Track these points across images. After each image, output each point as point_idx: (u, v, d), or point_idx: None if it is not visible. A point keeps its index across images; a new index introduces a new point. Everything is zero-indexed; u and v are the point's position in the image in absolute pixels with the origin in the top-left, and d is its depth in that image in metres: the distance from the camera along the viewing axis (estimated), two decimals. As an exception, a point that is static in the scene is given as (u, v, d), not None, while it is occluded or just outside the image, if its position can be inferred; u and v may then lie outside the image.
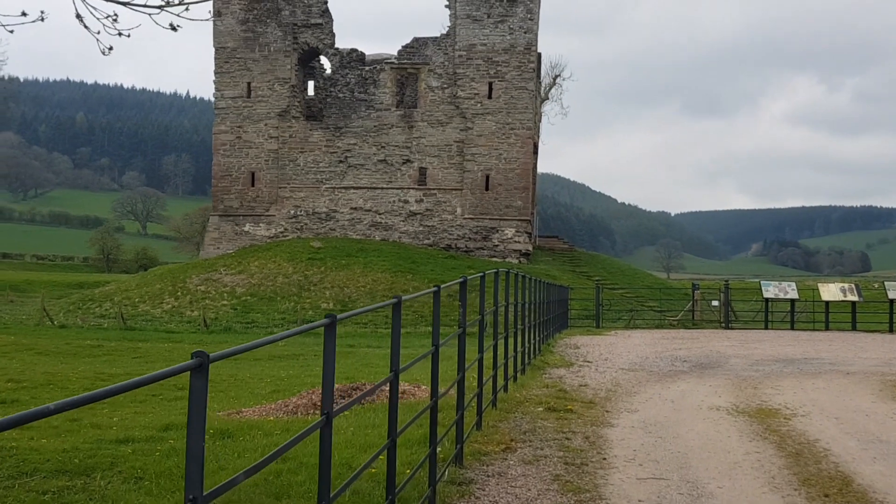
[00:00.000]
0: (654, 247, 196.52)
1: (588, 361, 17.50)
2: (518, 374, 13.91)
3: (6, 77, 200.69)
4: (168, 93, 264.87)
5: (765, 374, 16.07)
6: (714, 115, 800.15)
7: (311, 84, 53.42)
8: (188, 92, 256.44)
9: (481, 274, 9.67)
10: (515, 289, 13.86)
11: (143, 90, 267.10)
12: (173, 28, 8.16)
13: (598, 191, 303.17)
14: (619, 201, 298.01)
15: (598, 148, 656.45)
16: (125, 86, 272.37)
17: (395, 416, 5.61)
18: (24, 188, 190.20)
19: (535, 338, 17.25)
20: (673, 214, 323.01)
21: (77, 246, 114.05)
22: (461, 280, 8.37)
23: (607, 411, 11.26)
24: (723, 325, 33.35)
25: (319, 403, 11.96)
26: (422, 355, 6.57)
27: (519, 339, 14.24)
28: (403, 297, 5.69)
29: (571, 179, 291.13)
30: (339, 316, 4.31)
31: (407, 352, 21.02)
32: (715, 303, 37.53)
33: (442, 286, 7.10)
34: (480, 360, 9.64)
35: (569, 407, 11.17)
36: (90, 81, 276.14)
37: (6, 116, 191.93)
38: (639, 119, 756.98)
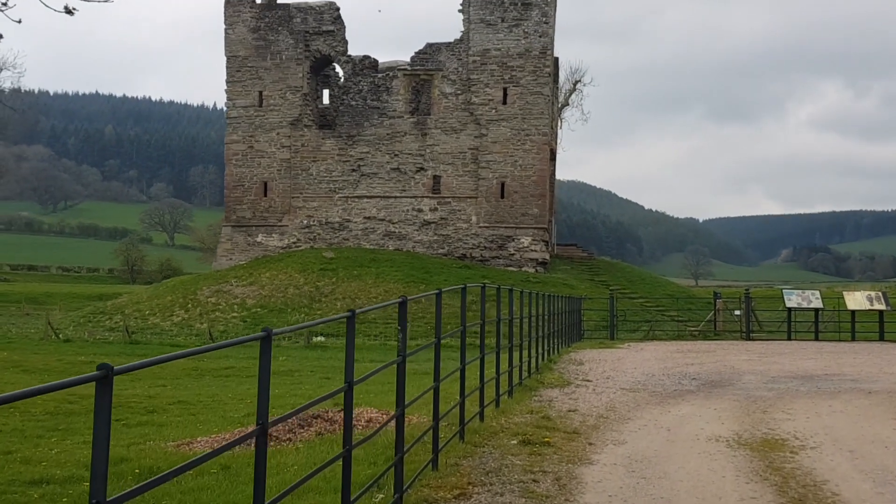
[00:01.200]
0: (683, 254, 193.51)
1: (587, 380, 16.27)
2: (503, 398, 12.74)
3: (36, 91, 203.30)
4: (195, 105, 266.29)
5: (778, 394, 14.75)
6: (741, 121, 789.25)
7: (325, 92, 52.62)
8: (215, 104, 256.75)
9: (437, 291, 8.54)
10: (498, 303, 12.71)
11: (171, 102, 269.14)
12: (69, 11, 7.17)
13: (624, 198, 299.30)
14: (647, 208, 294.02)
15: (624, 155, 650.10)
16: (153, 98, 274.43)
17: (263, 484, 4.51)
18: (54, 200, 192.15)
19: (529, 355, 16.08)
20: (701, 221, 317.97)
21: (104, 257, 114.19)
22: (400, 300, 7.26)
23: (590, 443, 10.04)
24: (744, 335, 31.90)
25: (273, 432, 10.88)
26: (322, 396, 5.46)
27: (504, 358, 13.07)
28: (275, 332, 4.59)
29: (597, 187, 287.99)
30: (116, 369, 3.23)
31: (411, 366, 19.59)
32: (738, 312, 36.05)
33: (357, 311, 5.98)
34: (436, 390, 8.51)
35: (546, 439, 9.97)
36: (119, 94, 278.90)
37: (36, 130, 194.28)
38: (665, 125, 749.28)
